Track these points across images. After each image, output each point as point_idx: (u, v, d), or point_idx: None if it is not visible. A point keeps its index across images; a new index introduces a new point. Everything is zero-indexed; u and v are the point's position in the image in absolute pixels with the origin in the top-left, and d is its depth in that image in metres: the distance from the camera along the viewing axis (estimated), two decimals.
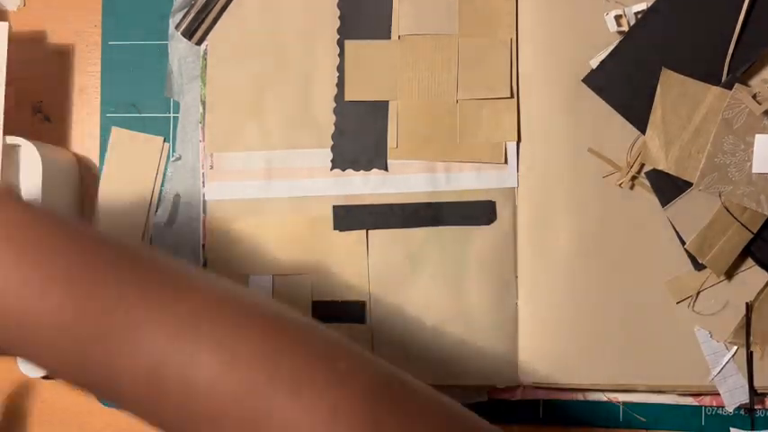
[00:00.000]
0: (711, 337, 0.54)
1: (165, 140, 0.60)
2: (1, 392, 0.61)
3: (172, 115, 0.60)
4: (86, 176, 0.61)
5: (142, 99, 0.60)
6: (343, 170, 0.58)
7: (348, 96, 0.58)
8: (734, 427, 0.55)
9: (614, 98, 0.55)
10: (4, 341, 0.35)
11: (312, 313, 0.57)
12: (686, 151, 0.53)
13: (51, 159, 0.57)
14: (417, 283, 0.57)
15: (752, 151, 0.52)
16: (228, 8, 0.59)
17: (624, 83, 0.55)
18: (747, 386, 0.54)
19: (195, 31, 0.59)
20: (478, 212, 0.56)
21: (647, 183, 0.55)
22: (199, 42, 0.59)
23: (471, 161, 0.57)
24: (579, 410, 0.57)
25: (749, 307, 0.54)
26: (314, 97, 0.58)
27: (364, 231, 0.57)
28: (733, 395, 0.54)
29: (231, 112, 0.58)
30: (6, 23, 0.56)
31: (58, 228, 0.36)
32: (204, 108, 0.59)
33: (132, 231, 0.60)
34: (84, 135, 0.61)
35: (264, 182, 0.58)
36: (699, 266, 0.54)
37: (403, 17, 0.57)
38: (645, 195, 0.55)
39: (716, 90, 0.53)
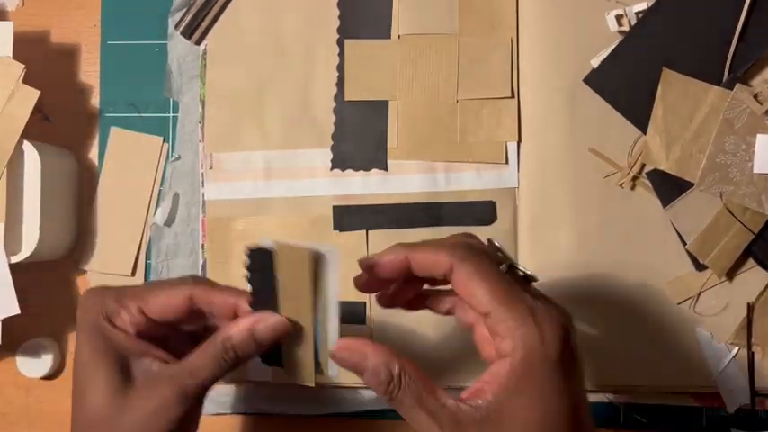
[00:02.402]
0: (712, 338, 0.54)
1: (164, 140, 0.60)
2: (1, 392, 0.61)
3: (171, 115, 0.60)
4: (86, 176, 0.61)
5: (142, 99, 0.60)
6: (343, 170, 0.57)
7: (348, 96, 0.57)
8: (734, 427, 0.55)
9: (615, 98, 0.55)
10: None
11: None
12: (687, 151, 0.53)
13: (51, 159, 0.56)
14: None
15: (753, 151, 0.52)
16: (228, 7, 0.59)
17: (625, 83, 0.55)
18: (748, 387, 0.54)
19: (194, 30, 0.58)
20: (478, 212, 0.56)
21: (647, 183, 0.55)
22: (198, 42, 0.59)
23: (471, 161, 0.56)
24: None
25: (750, 308, 0.54)
26: (314, 97, 0.58)
27: (364, 231, 0.57)
28: (734, 396, 0.54)
29: (230, 112, 0.58)
30: (11, 23, 0.56)
31: None
32: (203, 108, 0.58)
33: (131, 231, 0.60)
34: (84, 135, 0.61)
35: (264, 182, 0.58)
36: (700, 267, 0.54)
37: (403, 17, 0.57)
38: (646, 195, 0.55)
39: (717, 90, 0.53)
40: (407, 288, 0.42)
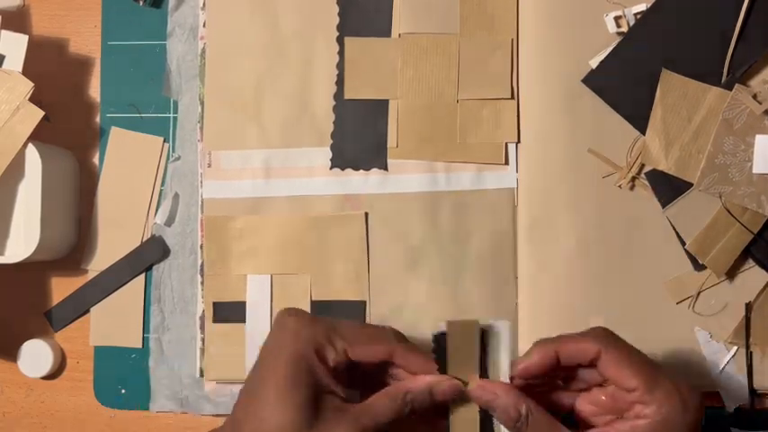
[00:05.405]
0: (711, 337, 0.54)
1: (164, 140, 0.60)
2: (1, 392, 0.61)
3: (172, 115, 0.60)
4: (87, 176, 0.61)
5: (142, 99, 0.60)
6: (343, 169, 0.58)
7: (348, 95, 0.57)
8: (734, 426, 0.55)
9: (614, 98, 0.55)
10: None
11: (312, 313, 0.57)
12: (686, 152, 0.53)
13: (51, 159, 0.57)
14: (417, 283, 0.57)
15: (752, 152, 0.52)
16: (226, 5, 0.58)
17: (624, 83, 0.55)
18: (746, 386, 0.54)
19: None
20: None
21: (646, 183, 0.55)
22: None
23: (471, 161, 0.57)
24: None
25: (749, 307, 0.54)
26: (313, 95, 0.58)
27: (364, 231, 0.57)
28: (732, 395, 0.54)
29: (229, 110, 0.58)
30: (25, 36, 0.56)
31: None
32: (203, 107, 0.58)
33: (132, 231, 0.60)
34: (84, 135, 0.61)
35: (263, 181, 0.58)
36: (699, 267, 0.54)
37: (404, 15, 0.57)
38: (644, 196, 0.55)
39: (716, 90, 0.53)
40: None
